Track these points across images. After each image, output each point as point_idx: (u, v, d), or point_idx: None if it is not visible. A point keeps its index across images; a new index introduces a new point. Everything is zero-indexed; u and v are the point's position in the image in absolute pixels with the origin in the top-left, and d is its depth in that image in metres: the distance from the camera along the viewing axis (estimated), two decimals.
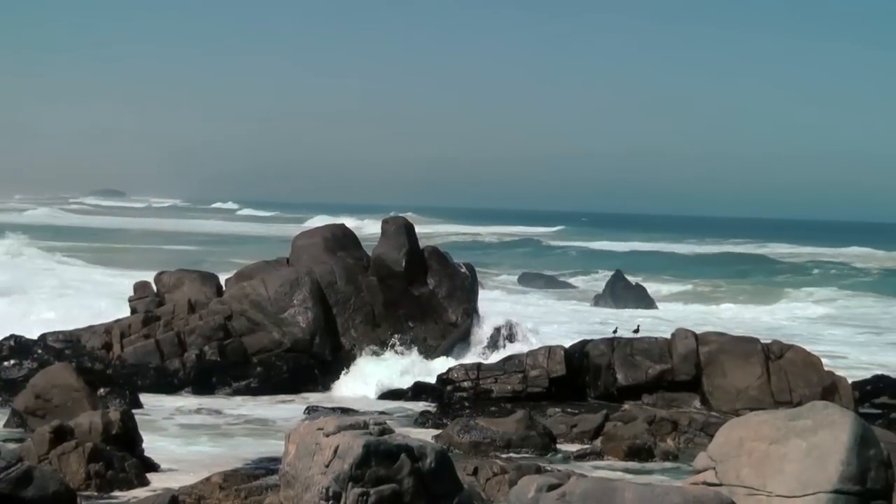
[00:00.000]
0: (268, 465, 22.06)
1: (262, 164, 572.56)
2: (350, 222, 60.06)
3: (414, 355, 34.77)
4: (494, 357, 34.63)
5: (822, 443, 13.96)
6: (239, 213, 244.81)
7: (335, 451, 14.69)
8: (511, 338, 36.64)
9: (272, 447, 24.02)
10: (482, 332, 36.76)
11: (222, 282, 37.22)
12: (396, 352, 34.83)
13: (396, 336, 35.15)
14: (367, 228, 44.82)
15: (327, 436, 14.96)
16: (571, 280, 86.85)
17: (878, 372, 34.57)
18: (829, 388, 29.97)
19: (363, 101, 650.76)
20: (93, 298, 45.48)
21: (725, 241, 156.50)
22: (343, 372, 33.84)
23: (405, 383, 33.10)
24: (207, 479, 20.13)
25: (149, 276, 38.53)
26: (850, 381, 31.27)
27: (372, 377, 33.37)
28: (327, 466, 14.66)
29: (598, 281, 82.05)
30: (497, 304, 54.76)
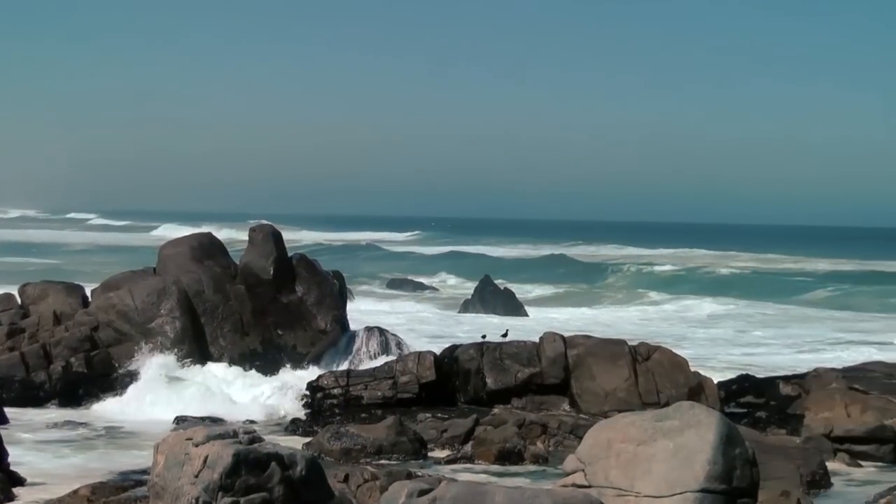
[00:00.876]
0: (136, 477, 21.85)
1: (116, 172, 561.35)
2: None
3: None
4: (365, 364, 34.63)
5: (688, 443, 14.16)
6: (93, 222, 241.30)
7: (204, 461, 14.59)
8: (381, 344, 36.60)
9: (141, 458, 23.79)
10: (351, 339, 36.68)
11: (88, 293, 36.73)
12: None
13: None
14: None
15: (196, 446, 14.85)
16: (439, 285, 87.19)
17: (744, 372, 35.10)
18: (696, 389, 30.37)
19: (211, 105, 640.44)
20: None
21: (580, 244, 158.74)
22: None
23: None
24: (75, 491, 19.91)
25: (11, 289, 37.90)
26: (716, 381, 31.72)
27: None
28: (197, 476, 14.55)
29: (466, 284, 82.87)
30: (366, 310, 54.91)
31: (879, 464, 25.71)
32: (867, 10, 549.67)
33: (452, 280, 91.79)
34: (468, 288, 79.46)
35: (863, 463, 25.61)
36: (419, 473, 21.13)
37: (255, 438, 15.19)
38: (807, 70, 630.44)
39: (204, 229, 46.69)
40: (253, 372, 34.15)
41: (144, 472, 20.25)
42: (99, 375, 33.15)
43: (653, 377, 30.86)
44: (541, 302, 75.93)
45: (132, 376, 33.12)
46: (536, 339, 32.59)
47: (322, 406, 31.29)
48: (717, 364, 40.42)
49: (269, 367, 34.59)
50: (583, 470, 14.57)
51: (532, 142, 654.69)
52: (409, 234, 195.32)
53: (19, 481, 21.83)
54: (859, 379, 29.76)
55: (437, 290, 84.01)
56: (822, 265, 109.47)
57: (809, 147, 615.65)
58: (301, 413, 31.14)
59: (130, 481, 21.31)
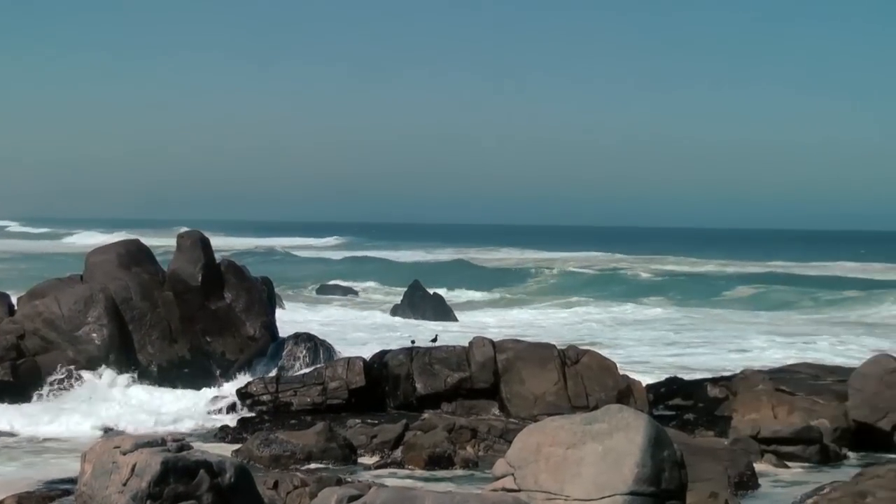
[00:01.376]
0: (64, 486, 21.65)
1: (27, 177, 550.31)
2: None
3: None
4: (294, 370, 34.56)
5: (617, 446, 14.24)
6: (11, 229, 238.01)
7: (132, 470, 14.49)
8: (310, 350, 36.52)
9: (68, 467, 23.58)
10: (281, 346, 36.58)
11: (14, 301, 36.38)
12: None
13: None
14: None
15: (124, 454, 14.75)
16: (364, 291, 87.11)
17: (672, 374, 35.34)
18: (625, 392, 30.55)
19: (126, 111, 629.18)
20: None
21: (504, 248, 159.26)
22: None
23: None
24: (1, 502, 19.69)
25: None
26: (644, 383, 31.91)
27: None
28: (125, 485, 14.45)
29: (390, 289, 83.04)
30: (295, 316, 54.83)
31: (806, 464, 25.91)
32: (851, 14, 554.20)
33: (377, 285, 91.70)
34: (392, 293, 79.67)
35: (789, 464, 25.80)
36: (349, 479, 21.12)
37: (183, 446, 15.11)
38: (787, 72, 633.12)
39: (116, 235, 46.47)
40: (180, 382, 33.98)
41: (72, 481, 20.06)
42: (25, 384, 32.81)
43: (582, 380, 31.01)
44: (470, 306, 76.06)
45: (59, 385, 32.84)
46: (466, 344, 32.67)
47: (251, 412, 31.21)
48: (647, 367, 40.61)
49: (197, 374, 34.44)
50: (512, 474, 14.62)
51: (445, 146, 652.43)
52: (326, 239, 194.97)
53: None
54: (786, 380, 30.07)
55: (362, 294, 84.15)
56: (753, 268, 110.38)
57: (783, 149, 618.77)
58: (230, 420, 31.01)
59: (57, 490, 21.11)
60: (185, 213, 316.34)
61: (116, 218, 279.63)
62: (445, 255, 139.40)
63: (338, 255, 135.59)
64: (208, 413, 32.12)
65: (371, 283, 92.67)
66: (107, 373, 33.43)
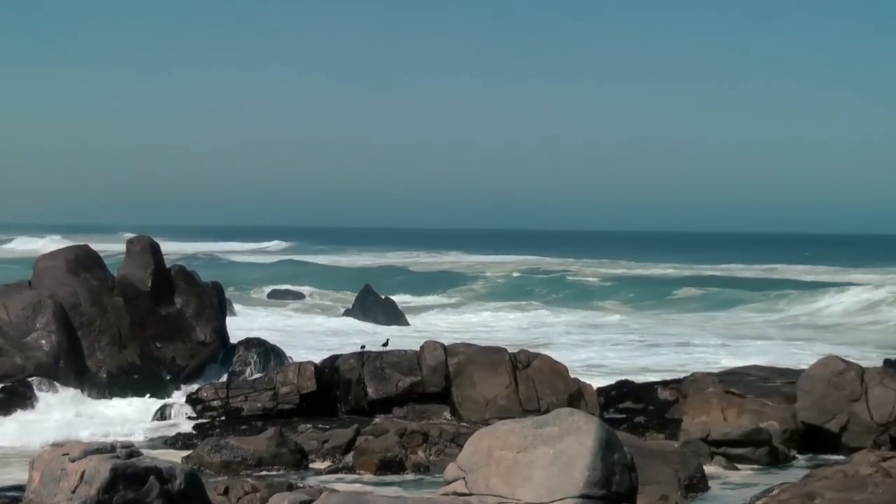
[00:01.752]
0: (11, 494, 21.47)
1: None
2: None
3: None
4: (245, 376, 34.45)
5: (568, 449, 14.26)
6: None
7: (81, 477, 14.41)
8: (261, 355, 36.40)
9: (17, 475, 23.41)
10: (231, 351, 36.44)
11: None
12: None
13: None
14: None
15: (73, 461, 14.67)
16: (312, 296, 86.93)
17: (623, 377, 35.48)
18: (576, 395, 30.65)
19: (63, 114, 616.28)
20: None
21: (446, 253, 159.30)
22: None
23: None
24: None
25: None
26: (595, 387, 32.01)
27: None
28: (73, 492, 14.37)
29: (339, 294, 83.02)
30: (247, 321, 54.75)
31: (755, 466, 26.04)
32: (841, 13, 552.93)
33: (324, 290, 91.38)
34: (341, 297, 79.66)
35: (739, 466, 25.93)
36: (300, 485, 21.05)
37: (133, 452, 15.04)
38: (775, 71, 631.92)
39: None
40: (130, 388, 33.81)
41: (20, 488, 19.92)
42: None
43: (533, 384, 31.10)
44: (421, 310, 76.15)
45: (7, 392, 32.61)
46: (417, 348, 32.69)
47: (202, 418, 31.11)
48: (598, 370, 40.75)
49: (147, 380, 34.25)
50: (463, 478, 14.61)
51: (389, 152, 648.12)
52: (271, 243, 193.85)
53: None
54: (735, 382, 30.22)
55: (309, 299, 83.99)
56: (699, 271, 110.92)
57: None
58: (180, 426, 30.89)
59: (6, 498, 20.94)
60: (122, 218, 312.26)
61: (55, 223, 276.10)
62: (394, 258, 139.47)
63: (283, 259, 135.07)
64: (158, 419, 32.01)
65: (318, 288, 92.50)
66: (56, 379, 33.22)
